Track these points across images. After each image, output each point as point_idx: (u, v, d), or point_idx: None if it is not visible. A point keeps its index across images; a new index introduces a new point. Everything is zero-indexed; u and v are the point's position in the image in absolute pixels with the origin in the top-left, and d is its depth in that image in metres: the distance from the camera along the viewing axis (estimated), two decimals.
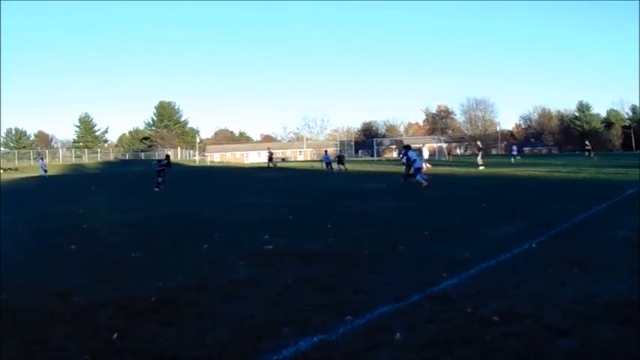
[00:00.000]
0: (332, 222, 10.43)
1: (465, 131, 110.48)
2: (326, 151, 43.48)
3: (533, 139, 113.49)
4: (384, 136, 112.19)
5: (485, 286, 5.45)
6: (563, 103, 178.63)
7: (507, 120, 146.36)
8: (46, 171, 45.79)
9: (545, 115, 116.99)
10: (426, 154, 39.54)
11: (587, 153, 47.98)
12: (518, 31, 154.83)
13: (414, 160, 20.51)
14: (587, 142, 52.95)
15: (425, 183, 19.13)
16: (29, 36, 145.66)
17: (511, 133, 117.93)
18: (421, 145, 41.03)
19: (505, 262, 6.64)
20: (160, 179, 22.09)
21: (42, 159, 53.19)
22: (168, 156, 26.95)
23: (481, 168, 31.61)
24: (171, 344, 4.12)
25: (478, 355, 3.76)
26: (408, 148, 21.57)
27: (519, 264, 6.51)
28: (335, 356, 3.80)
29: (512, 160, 43.54)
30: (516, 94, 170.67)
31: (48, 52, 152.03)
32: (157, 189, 21.48)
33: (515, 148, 51.74)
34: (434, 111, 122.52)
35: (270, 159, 47.40)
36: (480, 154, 35.88)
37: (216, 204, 15.96)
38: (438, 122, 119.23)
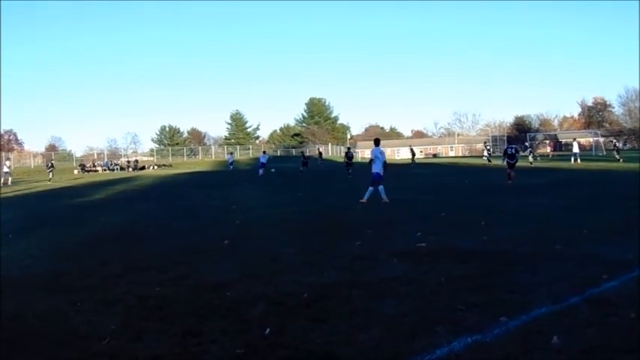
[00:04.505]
0: (485, 219, 10.04)
1: (624, 124, 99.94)
2: (264, 152, 41.56)
3: None
4: (537, 131, 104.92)
5: None
6: None
7: None
8: (232, 163, 49.09)
9: None
10: (576, 148, 38.33)
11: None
12: None
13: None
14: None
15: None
16: (187, 38, 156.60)
17: None
18: (572, 139, 39.73)
19: None
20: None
21: (231, 154, 56.91)
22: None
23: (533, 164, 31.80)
24: (323, 340, 4.04)
25: None
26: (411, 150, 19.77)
27: None
28: (489, 358, 3.63)
29: None
30: None
31: (203, 52, 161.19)
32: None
33: None
34: (590, 103, 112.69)
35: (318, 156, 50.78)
36: (531, 152, 35.26)
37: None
38: (594, 115, 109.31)
